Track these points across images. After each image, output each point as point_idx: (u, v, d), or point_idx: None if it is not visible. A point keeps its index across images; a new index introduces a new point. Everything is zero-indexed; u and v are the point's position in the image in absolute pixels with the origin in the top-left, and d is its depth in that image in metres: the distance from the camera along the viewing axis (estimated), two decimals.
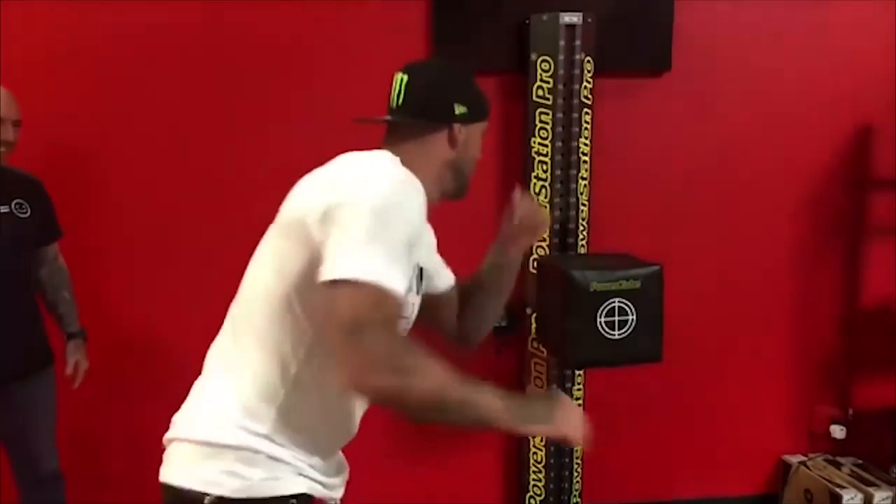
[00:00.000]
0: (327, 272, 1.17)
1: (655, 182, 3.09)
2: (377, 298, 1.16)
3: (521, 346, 2.98)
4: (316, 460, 1.41)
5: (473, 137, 1.56)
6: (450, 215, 2.97)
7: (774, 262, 3.21)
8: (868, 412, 3.29)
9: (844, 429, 3.25)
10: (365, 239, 1.18)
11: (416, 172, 1.35)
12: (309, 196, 1.31)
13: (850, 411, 3.30)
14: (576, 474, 3.03)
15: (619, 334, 2.44)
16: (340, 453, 1.59)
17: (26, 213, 2.34)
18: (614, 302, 2.42)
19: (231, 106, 2.83)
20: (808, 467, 3.19)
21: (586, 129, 2.83)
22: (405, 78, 1.53)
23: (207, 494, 1.28)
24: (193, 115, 2.81)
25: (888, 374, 3.19)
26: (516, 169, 2.94)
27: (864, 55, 3.13)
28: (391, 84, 1.54)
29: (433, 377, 1.20)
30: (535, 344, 2.91)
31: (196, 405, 1.39)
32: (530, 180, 2.84)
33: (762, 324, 3.24)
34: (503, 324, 2.87)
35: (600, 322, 2.42)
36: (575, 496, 3.04)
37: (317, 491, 1.40)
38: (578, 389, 2.97)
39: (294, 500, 1.34)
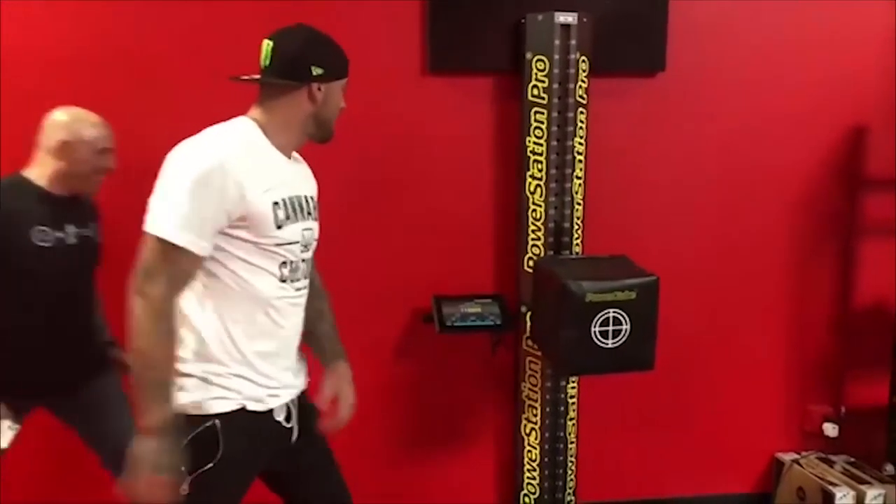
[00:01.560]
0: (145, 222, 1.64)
1: (650, 181, 3.10)
2: (162, 250, 1.58)
3: (516, 344, 2.99)
4: (246, 370, 1.73)
5: (333, 93, 1.82)
6: (444, 215, 3.00)
7: (768, 261, 3.22)
8: (861, 410, 3.31)
9: (837, 427, 3.27)
10: (167, 203, 1.61)
11: (282, 124, 1.78)
12: None
13: (843, 409, 3.32)
14: (570, 473, 3.04)
15: (612, 343, 2.45)
16: (293, 357, 1.90)
17: (98, 237, 2.45)
18: (609, 312, 2.43)
19: (229, 105, 2.82)
20: (801, 465, 3.20)
21: (581, 128, 2.83)
22: (271, 44, 1.79)
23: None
24: (193, 115, 2.80)
25: (881, 373, 3.20)
26: (512, 168, 2.95)
27: (857, 55, 3.14)
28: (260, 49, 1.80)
29: (162, 352, 1.59)
30: (529, 343, 2.91)
31: None
32: (525, 179, 2.85)
33: (756, 322, 3.25)
34: (498, 322, 2.88)
35: (594, 331, 2.42)
36: (569, 494, 3.05)
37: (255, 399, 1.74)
38: (573, 388, 2.98)
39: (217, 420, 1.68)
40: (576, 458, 3.05)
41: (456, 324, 2.83)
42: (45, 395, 2.37)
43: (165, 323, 1.57)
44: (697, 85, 3.08)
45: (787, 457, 3.28)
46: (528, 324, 2.88)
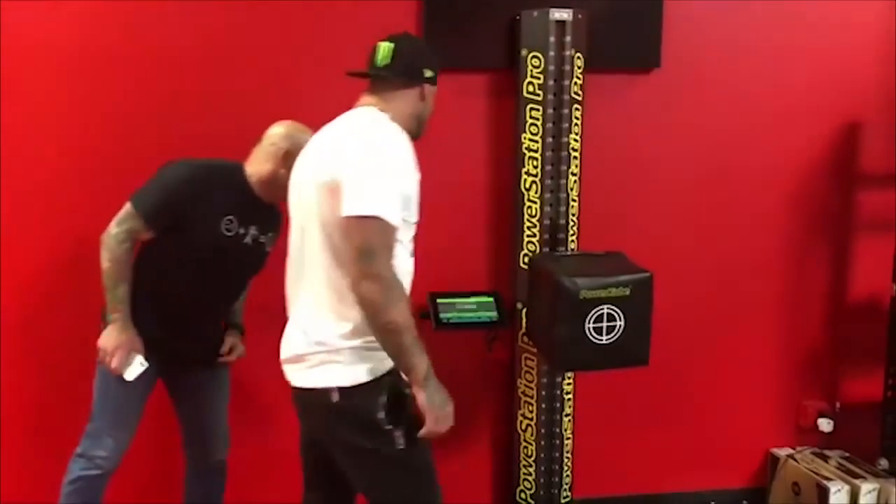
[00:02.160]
0: (350, 209, 1.69)
1: (645, 178, 3.11)
2: (381, 228, 1.68)
3: (511, 340, 2.99)
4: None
5: (433, 95, 2.04)
6: (442, 209, 3.00)
7: (763, 257, 3.23)
8: (855, 406, 3.32)
9: (832, 422, 3.28)
10: (377, 185, 1.71)
11: (399, 118, 1.90)
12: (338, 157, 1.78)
13: (838, 405, 3.33)
14: (566, 468, 3.04)
15: (606, 339, 2.46)
16: None
17: (269, 247, 2.50)
18: (603, 309, 2.44)
19: (226, 105, 2.82)
20: (795, 460, 3.22)
21: (576, 125, 2.84)
22: (392, 45, 1.95)
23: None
24: (193, 114, 2.81)
25: (875, 368, 3.21)
26: (507, 164, 2.95)
27: (852, 52, 3.15)
28: (374, 49, 1.96)
29: (407, 314, 1.71)
30: (525, 339, 2.92)
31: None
32: (521, 176, 2.85)
33: (750, 318, 3.26)
34: (494, 319, 2.88)
35: (588, 328, 2.43)
36: (565, 490, 3.05)
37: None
38: (568, 384, 2.99)
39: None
40: (571, 453, 3.05)
41: (452, 320, 2.83)
42: (174, 361, 2.47)
43: (399, 290, 1.71)
44: (692, 81, 3.08)
45: (782, 452, 3.29)
46: (524, 320, 2.88)
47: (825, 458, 3.23)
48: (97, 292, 2.39)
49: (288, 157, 2.31)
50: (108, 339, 2.30)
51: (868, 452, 3.22)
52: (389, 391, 1.82)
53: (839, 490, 3.02)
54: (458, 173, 2.99)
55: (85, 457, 2.36)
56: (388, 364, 1.81)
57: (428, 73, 1.99)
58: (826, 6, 3.11)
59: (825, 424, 3.28)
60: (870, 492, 3.02)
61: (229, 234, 2.36)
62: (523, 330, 2.91)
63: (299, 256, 1.89)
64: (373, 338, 1.76)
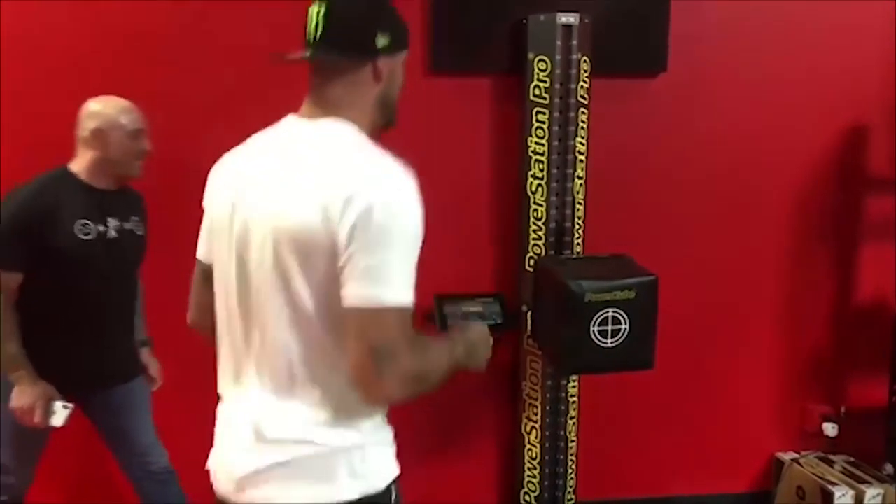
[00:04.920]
0: (369, 298, 1.23)
1: (651, 182, 3.11)
2: (404, 318, 1.25)
3: (516, 343, 3.00)
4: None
5: (397, 67, 1.47)
6: (445, 214, 3.01)
7: (768, 260, 3.23)
8: (860, 410, 3.32)
9: (836, 426, 3.28)
10: (397, 263, 1.25)
11: (347, 113, 1.38)
12: (318, 205, 1.26)
13: (843, 409, 3.33)
14: (570, 471, 3.05)
15: (611, 342, 2.45)
16: None
17: (141, 231, 2.46)
18: (608, 312, 2.43)
19: (227, 104, 2.84)
20: (800, 465, 3.21)
21: (583, 128, 2.84)
22: (322, 9, 1.36)
23: None
24: (194, 113, 2.82)
25: (880, 373, 3.21)
26: (513, 168, 2.95)
27: (859, 55, 3.15)
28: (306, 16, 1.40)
29: (438, 370, 1.37)
30: (530, 342, 2.93)
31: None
32: (527, 179, 2.86)
33: (756, 322, 3.26)
34: (499, 321, 2.89)
35: (593, 331, 2.43)
36: (569, 493, 3.06)
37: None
38: (573, 387, 2.99)
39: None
40: (576, 456, 3.06)
41: (457, 323, 2.84)
42: (81, 388, 2.37)
43: (427, 369, 1.34)
44: (699, 86, 3.09)
45: (787, 456, 3.28)
46: (529, 323, 2.89)
47: (830, 463, 3.22)
48: None
49: (101, 135, 2.28)
50: (21, 397, 2.20)
51: (873, 457, 3.22)
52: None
53: (844, 495, 3.02)
54: (464, 176, 3.00)
55: None
56: (392, 472, 1.44)
57: (382, 42, 1.39)
58: (833, 10, 3.11)
59: (830, 429, 3.28)
60: (874, 497, 3.02)
61: (89, 236, 2.28)
62: (528, 332, 2.91)
63: (242, 305, 1.36)
64: (380, 430, 1.41)
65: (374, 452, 1.38)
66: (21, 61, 2.73)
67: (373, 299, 1.22)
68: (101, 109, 2.32)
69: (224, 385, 1.43)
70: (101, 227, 2.31)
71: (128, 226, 2.40)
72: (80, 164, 2.34)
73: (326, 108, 1.38)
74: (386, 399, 1.30)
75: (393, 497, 1.42)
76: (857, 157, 3.22)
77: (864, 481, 3.07)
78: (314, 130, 1.37)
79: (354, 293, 1.22)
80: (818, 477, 3.11)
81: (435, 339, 1.44)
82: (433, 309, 2.87)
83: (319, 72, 1.40)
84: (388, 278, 1.23)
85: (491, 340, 1.68)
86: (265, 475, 1.32)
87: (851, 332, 3.31)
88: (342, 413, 1.31)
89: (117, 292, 2.43)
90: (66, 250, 2.24)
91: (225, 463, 1.40)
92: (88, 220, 2.28)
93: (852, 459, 3.26)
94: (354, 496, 1.32)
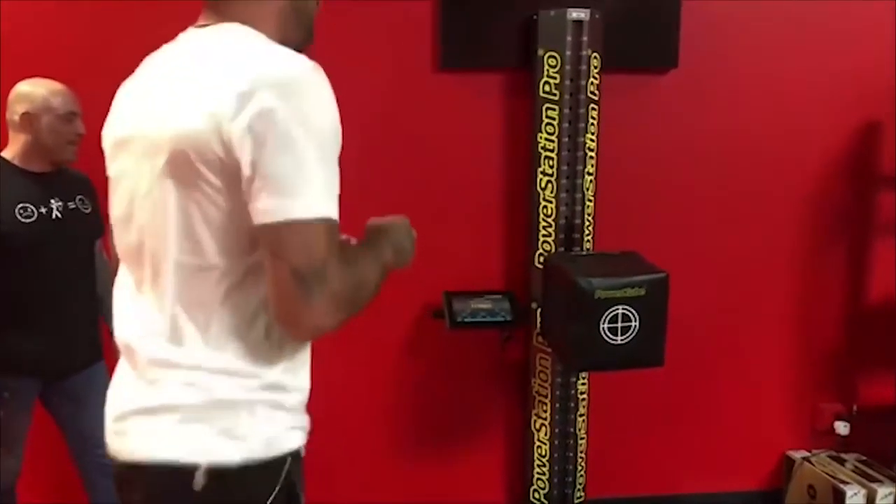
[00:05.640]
0: (274, 212, 1.06)
1: (661, 178, 3.10)
2: (330, 233, 1.08)
3: (526, 340, 2.99)
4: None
5: None
6: (457, 208, 3.01)
7: (779, 258, 3.21)
8: (872, 409, 3.30)
9: (848, 425, 3.26)
10: (313, 168, 1.08)
11: (248, 19, 1.20)
12: (201, 110, 1.08)
13: (855, 408, 3.31)
14: (580, 469, 3.04)
15: (621, 340, 2.45)
16: None
17: (88, 209, 2.43)
18: (618, 309, 2.43)
19: None
20: (811, 463, 3.20)
21: (593, 124, 2.83)
22: None
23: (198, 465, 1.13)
24: None
25: (892, 371, 3.19)
26: (523, 164, 2.95)
27: (870, 51, 3.12)
28: None
29: (371, 284, 1.21)
30: (539, 339, 2.92)
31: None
32: (536, 176, 2.85)
33: (767, 320, 3.25)
34: (508, 318, 2.89)
35: (603, 328, 2.42)
36: (579, 490, 3.05)
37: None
38: (583, 384, 2.99)
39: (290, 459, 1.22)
40: (586, 454, 3.05)
41: (466, 319, 2.84)
42: (41, 375, 2.37)
43: (360, 290, 1.17)
44: (709, 82, 3.07)
45: (798, 454, 3.27)
46: (539, 320, 2.88)
47: (841, 462, 3.20)
48: None
49: (31, 119, 2.26)
50: None
51: (885, 456, 3.20)
52: (285, 484, 1.20)
53: (855, 494, 3.00)
54: (473, 172, 3.00)
55: None
56: (298, 439, 1.24)
57: None
58: (843, 6, 3.09)
59: (842, 427, 3.26)
60: (886, 496, 3.00)
61: (31, 219, 2.25)
62: (538, 329, 2.91)
63: (135, 247, 1.23)
64: (280, 383, 1.20)
65: (264, 413, 1.18)
66: (21, 61, 2.73)
67: (288, 212, 1.05)
68: (30, 92, 2.29)
69: (116, 325, 1.30)
70: (44, 209, 2.29)
71: (72, 205, 2.37)
72: (12, 151, 2.32)
73: (222, 14, 1.22)
74: (316, 328, 1.09)
75: (284, 472, 1.19)
76: (869, 154, 3.20)
77: (876, 480, 3.05)
78: (207, 35, 1.20)
79: (265, 207, 1.06)
80: (830, 476, 3.09)
81: (360, 249, 1.27)
82: (442, 305, 2.88)
83: None
84: (305, 187, 1.06)
85: (413, 232, 1.46)
86: (132, 420, 1.19)
87: (864, 330, 3.29)
88: (233, 358, 1.15)
89: (72, 272, 2.39)
90: (9, 234, 2.22)
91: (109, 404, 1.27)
92: (28, 202, 2.26)
93: (864, 458, 3.24)
94: (235, 459, 1.14)
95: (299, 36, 1.29)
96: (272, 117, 1.05)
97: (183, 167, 1.10)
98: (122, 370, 1.26)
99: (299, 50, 1.21)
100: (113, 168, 1.28)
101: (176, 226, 1.13)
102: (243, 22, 1.19)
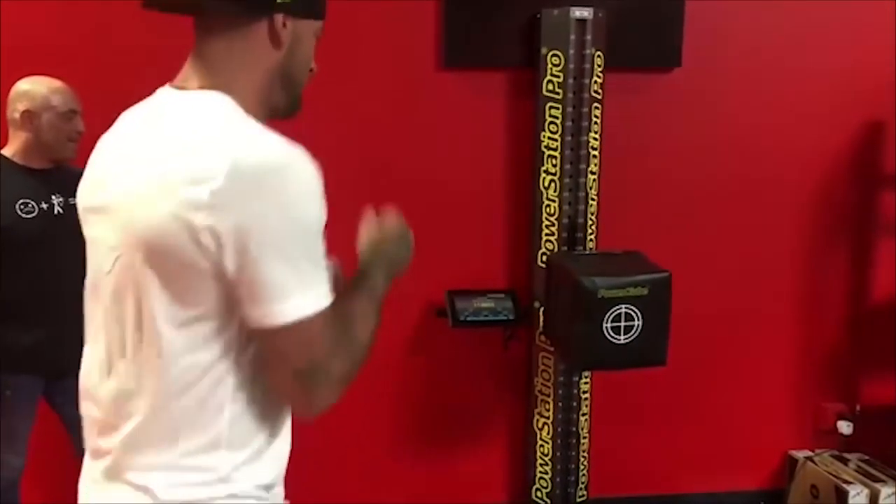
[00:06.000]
0: (267, 317, 1.01)
1: (664, 177, 3.10)
2: (327, 320, 1.03)
3: (528, 339, 2.99)
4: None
5: (305, 38, 1.16)
6: (460, 207, 3.01)
7: (782, 257, 3.21)
8: (875, 408, 3.29)
9: (851, 425, 3.25)
10: (302, 264, 1.02)
11: (228, 82, 1.09)
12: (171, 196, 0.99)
13: (858, 407, 3.31)
14: (582, 468, 3.04)
15: (624, 339, 2.45)
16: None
17: None
18: (621, 308, 2.43)
19: None
20: (814, 463, 3.19)
21: (596, 123, 2.83)
22: None
23: None
24: None
25: (895, 371, 3.19)
26: (526, 163, 2.95)
27: (874, 51, 3.12)
28: None
29: (370, 331, 1.14)
30: (542, 338, 2.92)
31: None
32: (539, 174, 2.85)
33: (770, 319, 3.24)
34: (511, 317, 2.89)
35: (606, 327, 2.43)
36: (581, 490, 3.05)
37: None
38: (585, 383, 2.99)
39: None
40: (588, 453, 3.05)
41: (469, 318, 2.84)
42: (42, 372, 2.37)
43: (352, 359, 1.10)
44: (713, 81, 3.07)
45: (801, 454, 3.27)
46: (541, 319, 2.88)
47: (844, 461, 3.20)
48: None
49: (31, 117, 2.27)
50: None
51: (888, 456, 3.19)
52: None
53: (858, 493, 3.00)
54: (476, 171, 3.00)
55: None
56: None
57: None
58: (847, 5, 3.08)
59: (845, 427, 3.25)
60: (889, 496, 3.00)
61: (32, 215, 2.27)
62: (541, 328, 2.91)
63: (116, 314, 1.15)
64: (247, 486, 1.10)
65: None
66: (21, 59, 2.73)
67: (282, 316, 1.00)
68: (30, 89, 2.31)
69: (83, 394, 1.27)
70: (45, 205, 2.30)
71: (73, 201, 2.35)
72: (12, 148, 2.35)
73: (203, 73, 1.10)
74: (324, 409, 1.07)
75: None
76: (873, 153, 3.20)
77: (879, 480, 3.05)
78: (186, 106, 1.08)
79: (257, 314, 1.00)
80: (832, 475, 3.09)
81: (353, 297, 1.16)
82: (445, 304, 2.88)
83: (201, 24, 1.12)
84: (297, 287, 1.00)
85: (409, 234, 1.38)
86: None
87: (867, 329, 3.28)
88: (196, 450, 1.07)
89: (73, 268, 2.39)
90: (10, 230, 2.23)
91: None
92: (29, 198, 2.28)
93: (867, 458, 3.23)
94: None
95: (284, 102, 1.18)
96: (252, 216, 0.97)
97: (149, 260, 1.03)
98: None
99: (285, 116, 1.18)
100: (86, 230, 1.23)
101: (134, 315, 1.09)
102: (228, 89, 1.08)
